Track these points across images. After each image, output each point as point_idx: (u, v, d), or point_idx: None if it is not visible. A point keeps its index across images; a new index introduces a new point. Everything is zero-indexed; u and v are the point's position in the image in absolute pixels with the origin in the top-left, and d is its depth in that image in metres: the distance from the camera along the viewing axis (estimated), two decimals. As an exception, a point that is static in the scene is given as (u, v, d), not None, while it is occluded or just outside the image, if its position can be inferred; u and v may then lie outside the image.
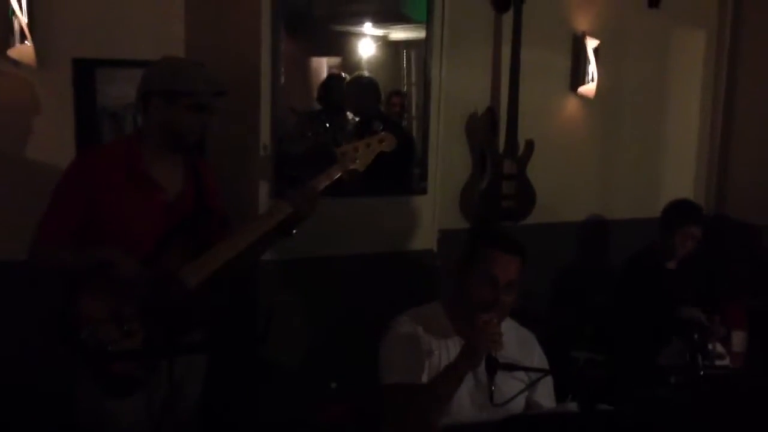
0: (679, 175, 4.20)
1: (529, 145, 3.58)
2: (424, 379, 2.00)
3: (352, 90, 3.17)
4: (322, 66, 3.20)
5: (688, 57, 4.15)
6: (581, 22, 3.76)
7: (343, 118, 3.19)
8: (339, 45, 3.15)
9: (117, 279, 1.98)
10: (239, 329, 2.78)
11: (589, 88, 3.77)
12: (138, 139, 2.18)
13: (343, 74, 3.15)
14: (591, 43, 3.71)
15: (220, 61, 2.81)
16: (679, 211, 3.33)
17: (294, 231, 2.23)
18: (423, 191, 3.22)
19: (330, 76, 3.11)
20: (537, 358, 2.16)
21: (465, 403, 2.02)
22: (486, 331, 1.90)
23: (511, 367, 1.92)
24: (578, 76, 3.77)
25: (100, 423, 2.10)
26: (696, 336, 2.81)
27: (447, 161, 3.36)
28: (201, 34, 2.97)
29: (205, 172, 2.29)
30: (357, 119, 3.22)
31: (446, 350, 2.06)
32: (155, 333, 2.04)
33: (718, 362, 2.83)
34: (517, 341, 2.14)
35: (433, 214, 3.26)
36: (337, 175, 2.30)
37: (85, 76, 2.71)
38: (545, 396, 2.11)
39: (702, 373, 2.75)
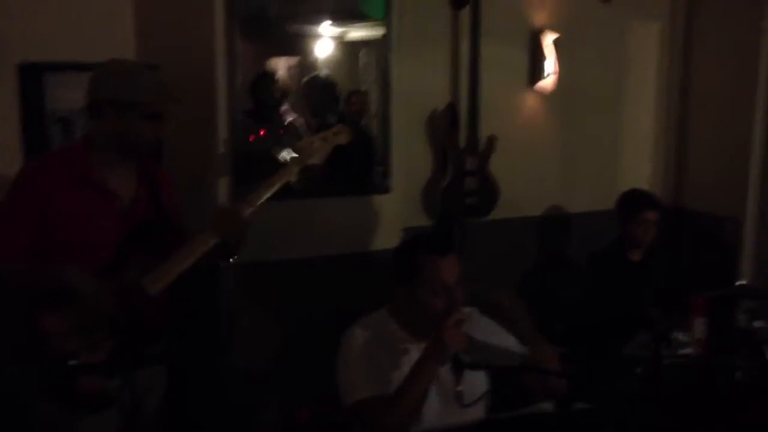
0: (638, 167, 4.24)
1: (491, 140, 3.58)
2: (390, 388, 1.97)
3: (309, 90, 3.15)
4: (281, 66, 3.17)
5: (642, 50, 4.19)
6: (539, 18, 3.76)
7: (277, 116, 3.14)
8: (296, 45, 3.12)
9: (76, 299, 1.91)
10: (202, 337, 2.72)
11: (546, 83, 3.78)
12: (87, 146, 2.10)
13: (272, 71, 3.11)
14: (548, 38, 3.72)
15: (172, 62, 2.74)
16: (633, 199, 3.39)
17: (231, 259, 2.20)
18: (385, 190, 3.21)
19: (259, 75, 3.06)
20: (482, 328, 2.13)
21: (434, 404, 2.00)
22: (451, 330, 1.90)
23: (478, 367, 1.92)
24: (536, 71, 3.78)
25: None
26: (660, 326, 2.84)
27: (409, 159, 3.35)
28: (152, 35, 2.89)
29: (161, 181, 2.23)
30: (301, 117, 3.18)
31: (405, 357, 2.04)
32: (120, 345, 1.97)
33: (681, 351, 2.86)
34: (468, 324, 2.12)
35: (396, 212, 3.24)
36: (295, 171, 2.26)
37: (32, 81, 2.61)
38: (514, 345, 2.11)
39: (665, 362, 2.78)
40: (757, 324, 2.88)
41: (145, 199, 2.16)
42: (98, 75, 2.08)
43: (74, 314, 1.93)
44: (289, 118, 3.17)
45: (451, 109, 3.56)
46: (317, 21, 3.09)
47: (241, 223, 2.13)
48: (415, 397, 1.91)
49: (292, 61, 3.18)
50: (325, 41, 3.18)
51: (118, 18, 2.84)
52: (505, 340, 2.11)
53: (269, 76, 3.09)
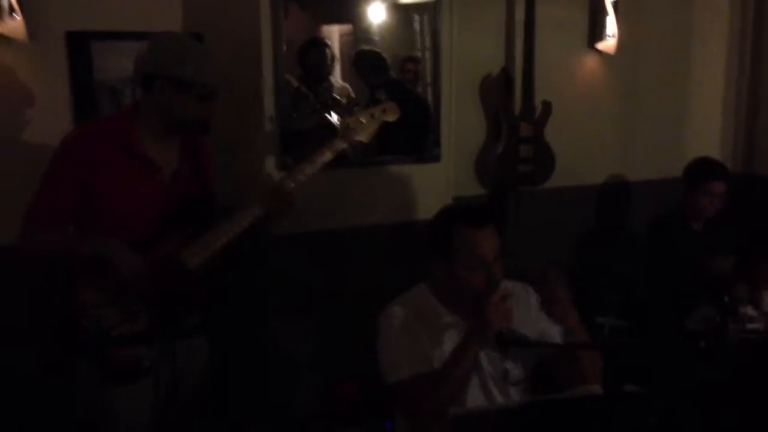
0: (705, 133, 4.06)
1: (546, 106, 3.44)
2: (432, 366, 1.91)
3: (357, 64, 3.10)
4: (334, 34, 3.11)
5: (712, 12, 3.97)
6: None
7: (327, 85, 3.08)
8: (349, 12, 3.04)
9: (118, 274, 1.91)
10: (243, 309, 2.71)
11: (608, 44, 3.62)
12: (133, 116, 2.08)
13: (321, 37, 3.04)
14: (609, -2, 3.56)
15: (219, 32, 2.72)
16: (702, 168, 3.23)
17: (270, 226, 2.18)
18: (436, 158, 3.12)
19: (308, 41, 2.99)
20: (536, 309, 2.04)
21: (478, 382, 1.93)
22: (497, 306, 1.81)
23: (524, 343, 1.81)
24: (596, 30, 3.62)
25: (104, 412, 2.04)
26: (726, 298, 2.70)
27: (461, 126, 3.26)
28: (199, 4, 2.86)
29: (201, 152, 2.21)
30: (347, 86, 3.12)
31: (446, 333, 1.97)
32: (158, 316, 1.97)
33: (749, 326, 2.71)
34: (516, 300, 2.00)
35: (447, 181, 3.17)
36: (341, 148, 2.25)
37: (80, 49, 2.61)
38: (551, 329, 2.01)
39: (733, 337, 2.64)
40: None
41: (188, 173, 2.14)
42: (155, 49, 2.04)
43: (111, 286, 1.92)
44: (338, 87, 3.11)
45: (506, 74, 3.44)
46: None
47: (285, 195, 2.13)
48: (458, 379, 1.84)
49: (344, 28, 3.11)
50: (378, 7, 3.10)
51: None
52: (544, 322, 2.00)
53: (319, 41, 3.03)
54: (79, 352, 1.96)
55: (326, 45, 3.03)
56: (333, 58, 3.08)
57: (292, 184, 2.15)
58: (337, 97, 3.08)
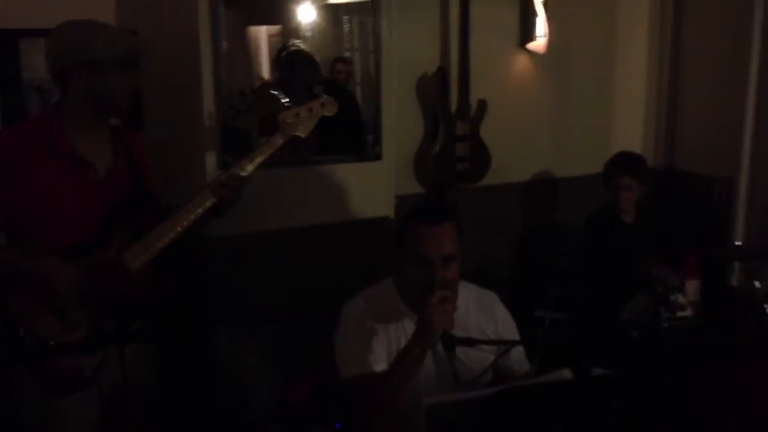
0: (630, 128, 4.19)
1: (482, 105, 3.51)
2: (384, 364, 1.91)
3: (285, 64, 3.07)
4: (262, 35, 3.09)
5: (634, 10, 4.12)
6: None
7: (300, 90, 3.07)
8: (278, 12, 3.02)
9: (52, 290, 1.85)
10: (190, 312, 2.65)
11: (538, 44, 3.70)
12: (58, 115, 2.02)
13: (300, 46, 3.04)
14: (538, -1, 3.65)
15: (154, 29, 2.65)
16: (612, 163, 3.39)
17: (222, 213, 2.17)
18: (377, 157, 3.14)
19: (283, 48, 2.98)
20: (500, 320, 2.08)
21: (432, 384, 1.93)
22: (436, 308, 1.80)
23: (470, 342, 1.83)
24: (527, 31, 3.70)
25: (50, 423, 1.97)
26: (659, 288, 2.82)
27: (400, 125, 3.28)
28: (134, 3, 2.79)
29: (136, 150, 2.16)
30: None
31: (403, 331, 1.96)
32: (102, 323, 1.91)
33: (680, 313, 2.84)
34: (477, 305, 2.07)
35: (389, 179, 3.19)
36: (281, 143, 2.23)
37: (8, 47, 2.51)
38: (517, 362, 2.04)
39: (666, 325, 2.77)
40: (756, 284, 2.85)
41: (124, 172, 2.09)
42: (59, 41, 2.00)
43: (46, 295, 1.87)
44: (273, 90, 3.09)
45: (441, 73, 3.48)
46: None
47: (235, 182, 2.12)
48: (403, 379, 1.83)
49: (273, 29, 3.09)
50: (308, 8, 3.09)
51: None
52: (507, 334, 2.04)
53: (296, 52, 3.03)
54: (18, 362, 1.88)
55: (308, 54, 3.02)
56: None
57: (242, 173, 2.13)
58: (275, 93, 3.06)
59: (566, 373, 1.37)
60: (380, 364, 1.91)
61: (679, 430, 1.55)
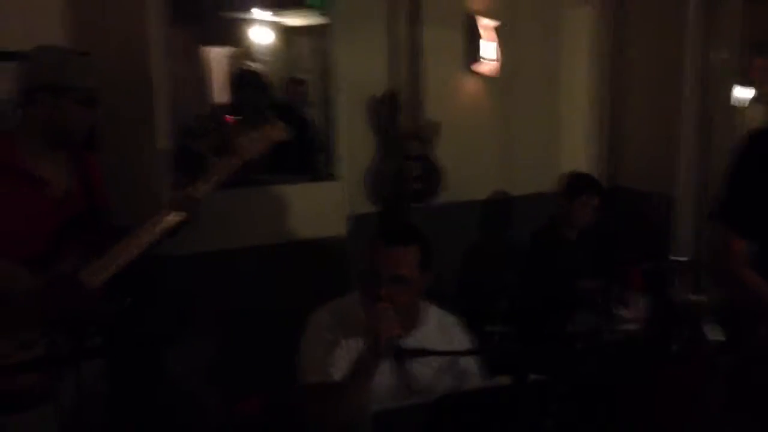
0: (576, 148, 4.34)
1: (434, 125, 3.60)
2: (339, 376, 1.95)
3: (236, 85, 3.11)
4: (216, 56, 3.12)
5: (577, 34, 4.27)
6: (475, 1, 3.80)
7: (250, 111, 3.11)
8: (232, 33, 3.06)
9: (8, 299, 1.85)
10: (143, 330, 2.66)
11: (485, 67, 3.82)
12: (14, 135, 2.04)
13: (251, 66, 3.08)
14: (484, 22, 3.76)
15: (105, 52, 2.67)
16: (578, 181, 3.49)
17: (176, 233, 2.19)
18: (330, 177, 3.19)
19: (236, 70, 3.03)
20: (457, 343, 2.12)
21: (386, 395, 1.96)
22: (378, 319, 1.85)
23: (420, 353, 1.87)
24: (471, 54, 3.80)
25: None
26: (599, 301, 2.93)
27: (353, 145, 3.35)
28: (83, 24, 2.80)
29: (91, 167, 2.19)
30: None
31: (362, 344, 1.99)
32: (55, 340, 1.92)
33: (624, 326, 2.94)
34: (438, 327, 2.12)
35: (342, 199, 3.24)
36: (233, 167, 2.26)
37: (-41, 70, 2.49)
38: (471, 376, 2.08)
39: (606, 338, 2.87)
40: (694, 297, 2.98)
41: (79, 190, 2.11)
42: (33, 62, 2.03)
43: (3, 308, 1.87)
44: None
45: (392, 94, 3.57)
46: (254, 8, 3.05)
47: (193, 201, 2.15)
48: (356, 391, 1.87)
49: (227, 51, 3.13)
50: (263, 29, 3.14)
51: (47, 6, 2.73)
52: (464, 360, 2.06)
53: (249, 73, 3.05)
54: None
55: (259, 76, 3.06)
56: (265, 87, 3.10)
57: (197, 194, 2.16)
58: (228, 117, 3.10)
59: (504, 380, 1.44)
60: (339, 376, 1.95)
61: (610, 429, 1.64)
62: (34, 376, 1.90)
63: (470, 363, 2.07)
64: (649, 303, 3.09)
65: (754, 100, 4.14)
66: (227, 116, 3.09)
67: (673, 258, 3.63)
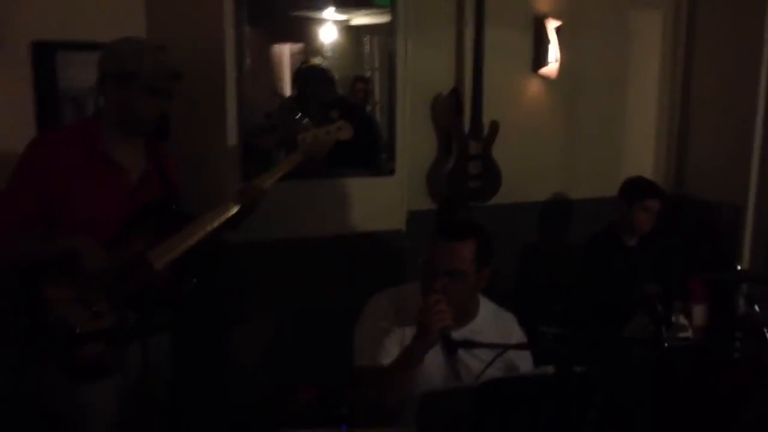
0: (640, 154, 4.28)
1: (494, 125, 3.61)
2: (390, 361, 1.99)
3: (303, 80, 3.17)
4: (285, 53, 3.19)
5: (646, 37, 4.21)
6: (542, 3, 3.79)
7: (315, 107, 3.19)
8: (301, 31, 3.13)
9: (83, 268, 1.95)
10: (208, 311, 2.77)
11: (550, 69, 3.81)
12: (98, 121, 2.15)
13: (317, 62, 3.16)
14: (552, 24, 3.76)
15: (183, 45, 2.78)
16: (637, 185, 3.43)
17: (238, 225, 2.30)
18: (390, 172, 3.24)
19: (302, 66, 3.11)
20: (515, 340, 2.14)
21: (436, 384, 1.99)
22: (430, 309, 1.89)
23: (469, 344, 1.90)
24: (540, 57, 3.81)
25: (72, 411, 2.07)
26: (659, 308, 2.89)
27: (414, 143, 3.38)
28: (163, 17, 2.93)
29: (165, 157, 2.29)
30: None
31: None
32: (124, 314, 2.02)
33: (681, 334, 2.89)
34: (495, 323, 2.15)
35: (402, 195, 3.29)
36: (297, 163, 2.39)
37: (45, 59, 2.65)
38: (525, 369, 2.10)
39: (666, 344, 2.82)
40: (756, 308, 2.91)
41: (155, 177, 2.21)
42: (105, 50, 2.14)
43: (77, 282, 1.97)
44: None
45: (456, 94, 3.60)
46: (323, 7, 3.12)
47: (258, 194, 2.26)
48: (402, 379, 1.91)
49: (295, 47, 3.20)
50: (330, 27, 3.20)
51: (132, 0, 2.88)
52: (519, 359, 2.07)
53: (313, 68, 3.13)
54: (45, 349, 2.00)
55: (325, 73, 3.13)
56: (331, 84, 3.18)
57: (263, 185, 2.27)
58: (295, 113, 3.18)
59: (549, 369, 1.46)
60: (389, 361, 2.00)
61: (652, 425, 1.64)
62: (101, 348, 2.00)
63: (525, 360, 2.09)
64: (710, 312, 3.04)
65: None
66: (293, 112, 3.17)
67: (738, 268, 3.55)
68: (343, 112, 3.08)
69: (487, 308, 2.17)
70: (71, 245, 1.96)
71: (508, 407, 1.37)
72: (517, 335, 2.18)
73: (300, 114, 3.13)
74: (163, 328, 2.18)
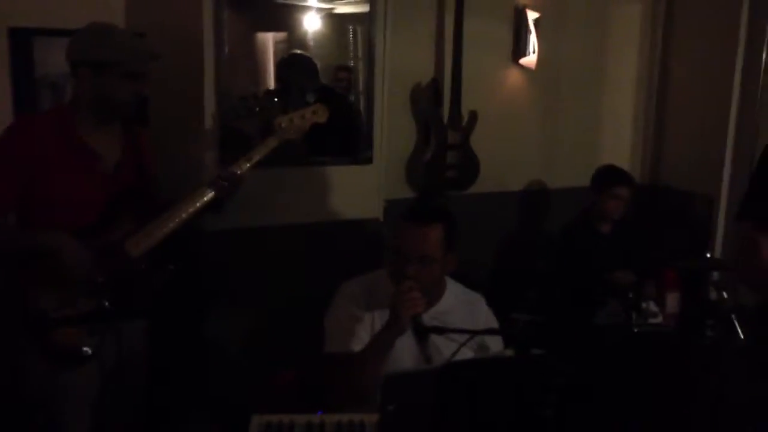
0: (617, 144, 4.33)
1: (473, 115, 3.64)
2: (360, 347, 2.02)
3: (285, 68, 3.18)
4: (269, 41, 3.19)
5: (624, 30, 4.25)
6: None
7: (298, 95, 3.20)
8: (284, 19, 3.13)
9: (62, 265, 1.98)
10: (183, 298, 2.79)
11: (530, 60, 3.84)
12: (72, 108, 2.16)
13: (300, 52, 3.17)
14: (532, 15, 3.78)
15: (161, 31, 2.78)
16: (607, 173, 3.53)
17: (221, 208, 2.32)
18: (368, 161, 3.27)
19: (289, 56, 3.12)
20: (482, 320, 2.17)
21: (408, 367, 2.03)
22: (403, 296, 1.91)
23: (439, 330, 1.94)
24: (519, 47, 3.83)
25: (53, 395, 2.10)
26: (630, 295, 2.95)
27: (393, 132, 3.41)
28: (141, 4, 2.93)
29: (142, 141, 2.29)
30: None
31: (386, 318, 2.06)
32: (101, 301, 2.05)
33: (651, 320, 2.96)
34: (462, 303, 2.18)
35: (379, 183, 3.31)
36: (274, 145, 2.40)
37: (22, 45, 2.64)
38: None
39: (636, 330, 2.89)
40: (725, 295, 2.98)
41: (131, 164, 2.22)
42: (75, 38, 2.14)
43: (53, 270, 1.99)
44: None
45: (435, 84, 3.62)
46: (306, -5, 3.12)
47: (235, 179, 2.28)
48: (372, 365, 1.93)
49: (279, 36, 3.20)
50: (313, 16, 3.20)
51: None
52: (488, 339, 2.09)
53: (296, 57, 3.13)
54: (22, 335, 2.02)
55: (307, 60, 3.14)
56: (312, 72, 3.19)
57: (238, 171, 2.29)
58: (275, 99, 3.19)
59: (508, 352, 1.50)
60: (360, 347, 2.03)
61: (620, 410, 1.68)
62: (78, 333, 2.02)
63: (495, 340, 2.12)
64: (681, 300, 3.10)
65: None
66: (274, 98, 3.18)
67: (708, 256, 3.62)
68: (323, 99, 3.09)
69: (453, 289, 2.20)
70: (47, 242, 1.98)
71: (471, 389, 1.41)
72: (485, 314, 2.21)
73: (277, 100, 3.14)
74: (138, 315, 2.20)
